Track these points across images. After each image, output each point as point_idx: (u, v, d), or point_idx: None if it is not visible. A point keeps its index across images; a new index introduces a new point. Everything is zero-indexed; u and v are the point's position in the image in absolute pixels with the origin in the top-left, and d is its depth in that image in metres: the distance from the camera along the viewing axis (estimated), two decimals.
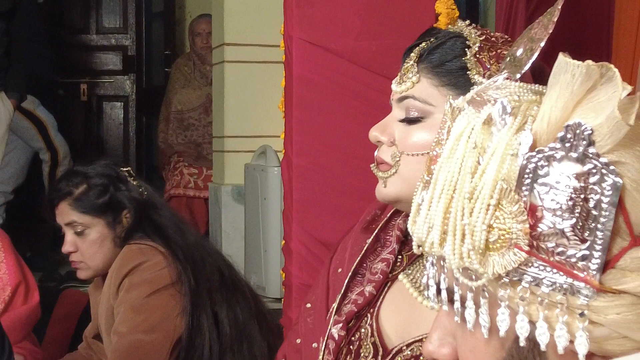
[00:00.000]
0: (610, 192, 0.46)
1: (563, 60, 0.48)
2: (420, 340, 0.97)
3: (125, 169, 2.09)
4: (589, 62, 0.47)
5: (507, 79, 0.56)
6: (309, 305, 1.23)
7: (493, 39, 1.02)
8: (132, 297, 1.86)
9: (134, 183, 2.05)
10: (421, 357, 0.97)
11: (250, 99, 3.79)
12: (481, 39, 1.00)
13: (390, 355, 1.03)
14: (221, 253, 2.22)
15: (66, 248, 1.98)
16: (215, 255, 2.10)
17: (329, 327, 1.10)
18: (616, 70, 0.46)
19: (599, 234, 0.46)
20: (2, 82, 3.82)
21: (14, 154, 4.29)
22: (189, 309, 1.87)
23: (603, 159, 0.46)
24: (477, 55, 0.99)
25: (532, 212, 0.47)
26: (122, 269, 1.89)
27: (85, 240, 1.96)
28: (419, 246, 0.55)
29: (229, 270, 2.07)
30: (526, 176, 0.48)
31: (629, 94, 0.47)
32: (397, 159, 1.00)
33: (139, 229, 1.98)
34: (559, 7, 0.57)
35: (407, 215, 0.83)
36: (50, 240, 4.26)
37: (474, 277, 0.50)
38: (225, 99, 3.86)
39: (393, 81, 1.04)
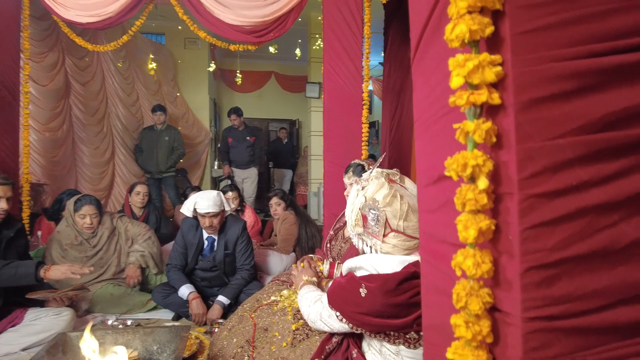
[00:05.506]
0: (382, 217, 1.09)
1: (377, 169, 1.12)
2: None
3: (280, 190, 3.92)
4: (383, 170, 1.10)
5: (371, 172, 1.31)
6: (332, 232, 2.24)
7: (365, 164, 2.10)
8: (286, 224, 3.57)
9: (289, 195, 3.83)
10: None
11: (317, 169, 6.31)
12: (365, 162, 2.11)
13: (346, 238, 2.02)
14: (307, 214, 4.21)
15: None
16: (306, 214, 3.87)
17: (330, 231, 2.20)
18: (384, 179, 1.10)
19: (380, 225, 1.09)
20: (253, 159, 5.89)
21: None
22: (298, 228, 3.59)
23: (382, 207, 1.08)
24: (365, 168, 2.00)
25: (364, 217, 1.11)
26: (284, 216, 3.62)
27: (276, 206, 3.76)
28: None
29: (309, 217, 3.85)
30: (364, 207, 1.12)
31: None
32: (347, 195, 1.90)
33: (290, 206, 3.67)
34: (381, 159, 1.25)
35: None
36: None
37: (355, 231, 1.16)
38: (311, 170, 6.52)
39: (344, 177, 2.15)
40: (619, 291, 0.50)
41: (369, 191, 1.18)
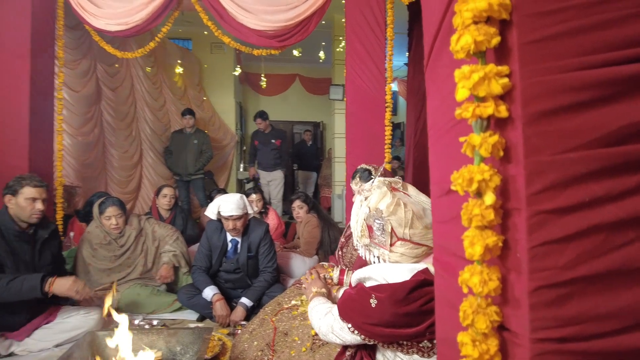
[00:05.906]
0: (387, 226, 1.06)
1: (379, 178, 1.11)
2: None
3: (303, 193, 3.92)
4: (385, 179, 1.09)
5: (373, 182, 1.26)
6: (342, 239, 2.30)
7: (373, 169, 2.08)
8: (309, 227, 3.49)
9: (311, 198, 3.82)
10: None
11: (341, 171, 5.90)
12: (373, 167, 2.06)
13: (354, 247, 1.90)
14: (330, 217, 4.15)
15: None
16: (329, 217, 3.82)
17: (341, 238, 2.24)
18: (387, 187, 1.07)
19: (386, 234, 1.07)
20: (279, 162, 5.83)
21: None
22: (321, 231, 3.52)
23: (386, 217, 1.06)
24: (371, 173, 2.00)
25: (370, 228, 1.10)
26: (307, 219, 3.53)
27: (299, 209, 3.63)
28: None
29: (331, 221, 3.78)
30: (368, 218, 1.10)
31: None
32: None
33: (312, 209, 3.57)
34: (382, 168, 1.26)
35: None
36: None
37: (362, 242, 1.14)
38: (335, 173, 6.29)
39: (351, 183, 2.13)
40: (636, 313, 0.47)
41: (372, 201, 1.17)
